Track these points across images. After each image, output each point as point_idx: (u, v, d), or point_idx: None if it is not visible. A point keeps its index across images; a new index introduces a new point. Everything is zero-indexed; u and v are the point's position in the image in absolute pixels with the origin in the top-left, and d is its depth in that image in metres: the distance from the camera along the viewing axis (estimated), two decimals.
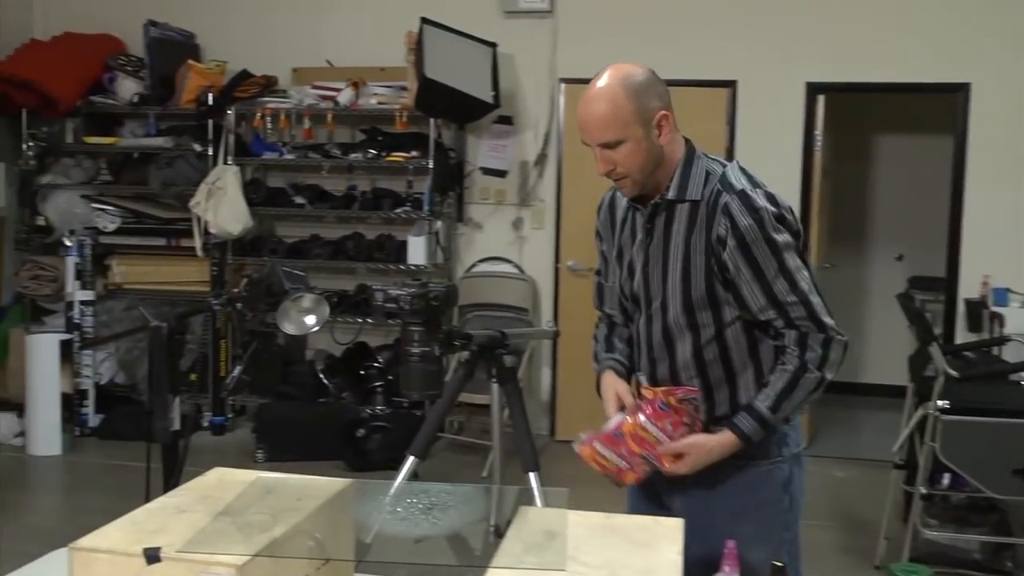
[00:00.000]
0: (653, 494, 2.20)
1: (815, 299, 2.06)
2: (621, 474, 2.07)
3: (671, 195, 2.11)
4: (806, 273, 2.06)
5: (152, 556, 1.59)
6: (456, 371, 2.13)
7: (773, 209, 2.02)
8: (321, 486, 1.97)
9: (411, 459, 2.17)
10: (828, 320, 2.06)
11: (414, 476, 2.31)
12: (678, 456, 2.05)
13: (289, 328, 2.35)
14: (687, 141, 2.16)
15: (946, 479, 4.28)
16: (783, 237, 2.02)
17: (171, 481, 2.70)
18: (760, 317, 2.06)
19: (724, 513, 2.12)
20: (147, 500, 2.96)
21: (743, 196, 2.03)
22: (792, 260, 2.03)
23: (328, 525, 1.88)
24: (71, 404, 6.35)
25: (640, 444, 2.03)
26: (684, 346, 2.12)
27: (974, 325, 6.13)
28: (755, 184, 2.08)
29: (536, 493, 2.06)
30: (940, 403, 3.72)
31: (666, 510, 2.18)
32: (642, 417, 2.03)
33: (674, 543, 1.71)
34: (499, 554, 1.62)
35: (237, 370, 2.49)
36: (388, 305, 1.85)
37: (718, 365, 2.12)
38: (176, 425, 2.71)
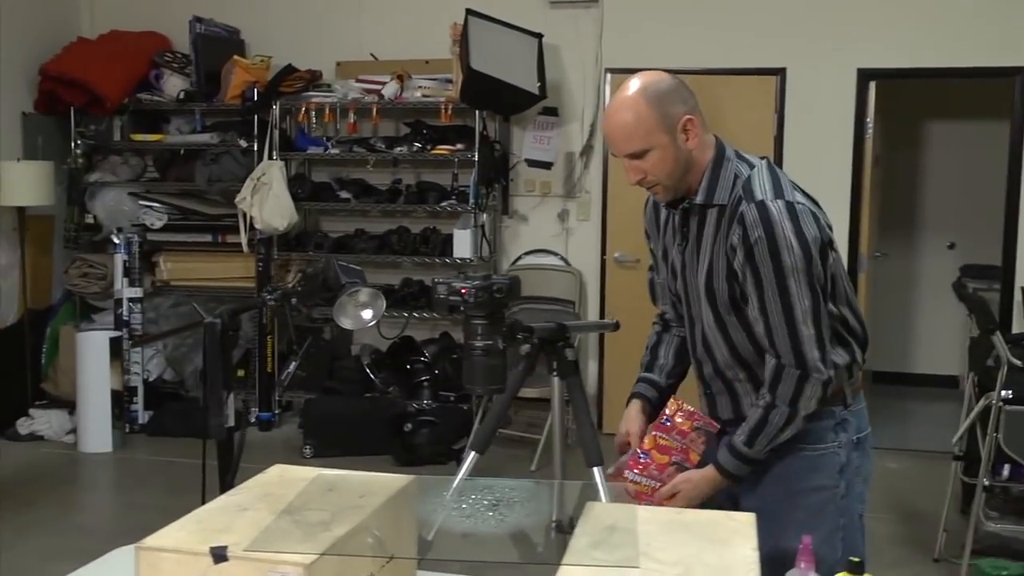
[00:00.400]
0: None
1: (806, 330, 1.99)
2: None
3: (699, 199, 2.10)
4: (807, 302, 1.99)
5: (219, 555, 1.57)
6: (517, 365, 2.08)
7: (790, 224, 1.97)
8: (383, 483, 1.94)
9: (472, 455, 2.14)
10: (811, 355, 2.00)
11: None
12: (671, 496, 2.13)
13: (346, 323, 2.33)
14: (718, 141, 2.13)
15: (1006, 470, 4.20)
16: (791, 258, 1.96)
17: (227, 478, 2.70)
18: (755, 329, 2.06)
19: (775, 498, 2.11)
20: (203, 497, 2.97)
21: (760, 208, 1.99)
22: (795, 284, 1.97)
23: (392, 522, 1.85)
24: (121, 401, 6.39)
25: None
26: (720, 348, 2.15)
27: None
28: (778, 192, 2.02)
29: (601, 488, 2.02)
30: (1004, 393, 3.63)
31: (725, 497, 2.17)
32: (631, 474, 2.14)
33: (748, 539, 1.66)
34: (569, 551, 1.59)
35: (293, 365, 2.47)
36: (452, 298, 1.82)
37: (760, 365, 2.10)
38: (231, 421, 2.70)
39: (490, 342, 1.85)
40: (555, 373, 2.11)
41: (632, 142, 2.04)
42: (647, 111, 2.02)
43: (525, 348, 2.06)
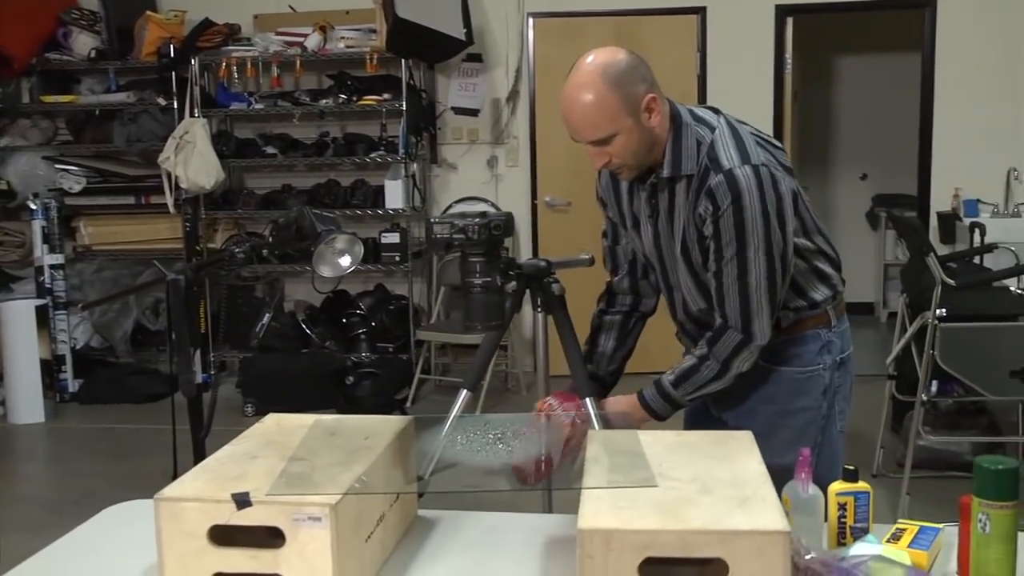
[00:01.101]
0: (702, 407, 2.24)
1: (756, 299, 2.01)
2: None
3: (666, 173, 2.05)
4: (763, 271, 1.99)
5: (242, 501, 1.57)
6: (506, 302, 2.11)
7: (756, 192, 1.95)
8: (382, 424, 1.97)
9: (464, 392, 2.17)
10: (757, 323, 2.02)
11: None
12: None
13: (325, 271, 2.33)
14: (672, 106, 2.07)
15: (934, 386, 4.38)
16: (754, 227, 1.96)
17: (199, 435, 2.69)
18: (708, 287, 2.08)
19: (764, 418, 2.15)
20: (175, 455, 2.95)
21: (728, 177, 1.96)
22: (754, 253, 1.97)
23: (398, 462, 1.89)
24: (50, 370, 6.25)
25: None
26: (705, 311, 2.15)
27: (947, 237, 6.24)
28: (744, 156, 1.98)
29: (594, 418, 2.07)
30: (939, 312, 3.78)
31: (717, 420, 2.23)
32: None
33: (752, 455, 1.73)
34: (587, 476, 1.63)
35: (267, 317, 2.45)
36: (455, 236, 1.83)
37: None
38: (199, 379, 2.68)
39: (488, 279, 1.87)
40: (540, 308, 2.14)
41: (597, 129, 1.96)
42: (609, 95, 1.94)
43: (511, 285, 2.08)
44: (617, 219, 2.27)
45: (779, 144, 2.15)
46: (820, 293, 2.17)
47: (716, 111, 2.12)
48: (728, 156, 1.99)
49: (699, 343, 2.10)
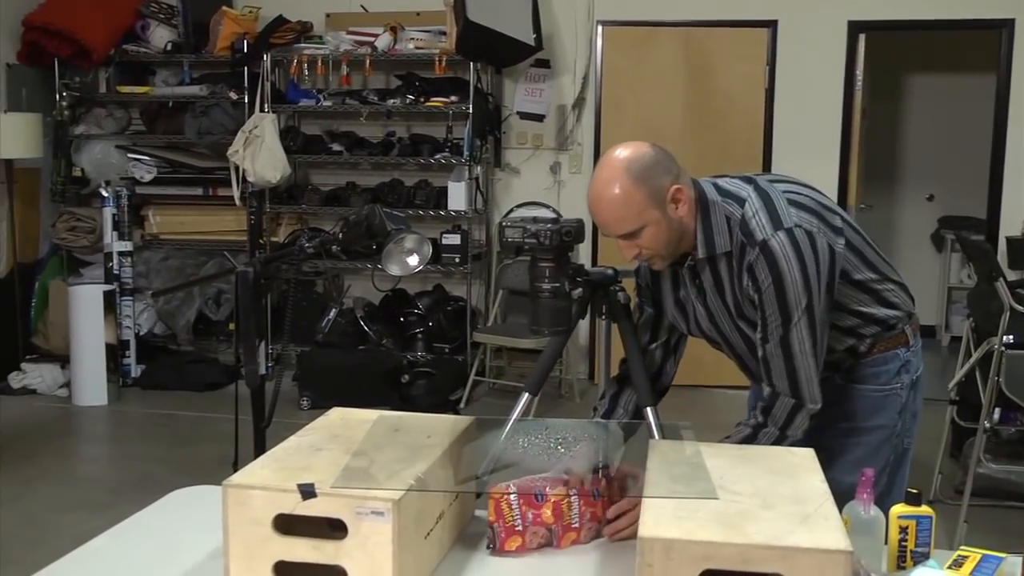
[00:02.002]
0: None
1: (803, 366, 2.00)
2: (508, 534, 1.84)
3: (701, 254, 2.05)
4: (807, 338, 1.98)
5: (308, 492, 1.60)
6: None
7: (795, 258, 1.94)
8: (445, 423, 2.00)
9: (526, 396, 2.18)
10: (806, 389, 2.01)
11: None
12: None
13: (393, 269, 2.37)
14: (697, 187, 2.06)
15: (997, 414, 4.31)
16: (795, 295, 1.95)
17: (261, 425, 2.73)
18: (757, 352, 2.06)
19: (838, 433, 2.16)
20: (236, 445, 3.00)
21: (764, 250, 1.96)
22: (796, 321, 1.97)
23: (459, 461, 1.91)
24: (114, 355, 6.38)
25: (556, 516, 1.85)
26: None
27: (1016, 263, 6.12)
28: (776, 222, 1.98)
29: (655, 427, 2.07)
30: (1006, 338, 3.73)
31: None
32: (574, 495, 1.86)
33: (815, 472, 1.73)
34: (649, 485, 1.64)
35: (333, 312, 2.48)
36: (528, 240, 1.85)
37: None
38: (263, 369, 2.72)
39: (557, 284, 1.88)
40: (604, 316, 2.16)
41: (624, 224, 1.98)
42: (635, 190, 1.95)
43: (577, 292, 2.09)
44: (655, 304, 2.26)
45: (822, 197, 2.11)
46: (894, 315, 2.17)
47: (748, 179, 2.10)
48: (761, 227, 1.98)
49: (751, 412, 2.09)
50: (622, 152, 1.99)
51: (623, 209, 1.96)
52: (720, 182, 2.10)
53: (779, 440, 2.04)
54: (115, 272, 6.60)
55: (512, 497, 1.81)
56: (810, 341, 1.98)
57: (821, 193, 2.13)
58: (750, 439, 2.06)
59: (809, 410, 2.03)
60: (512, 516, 1.82)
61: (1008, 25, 6.18)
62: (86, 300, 6.19)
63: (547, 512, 1.82)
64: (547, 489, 1.83)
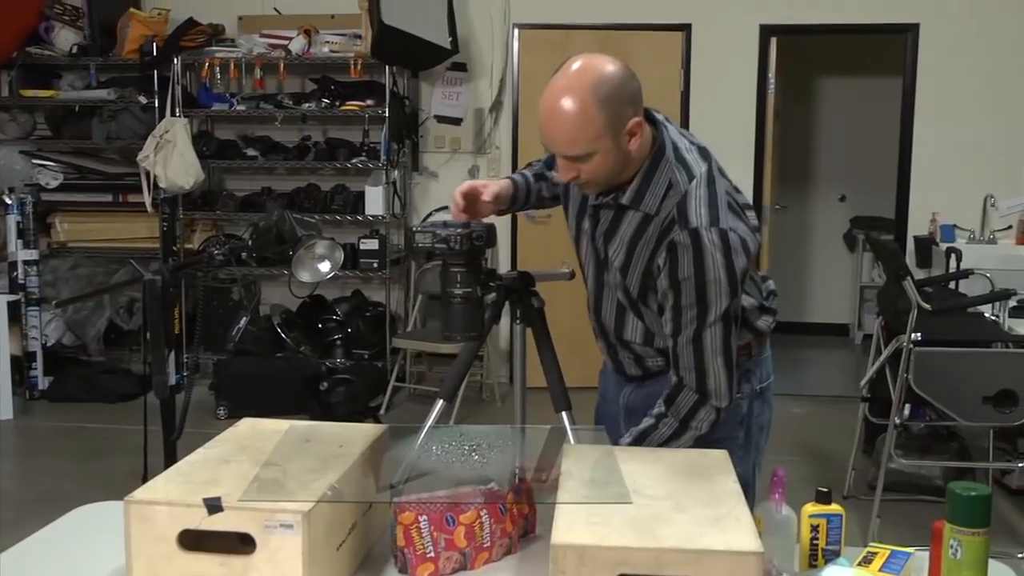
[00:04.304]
0: (615, 436, 2.12)
1: (713, 364, 1.95)
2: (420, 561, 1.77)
3: (625, 200, 1.97)
4: (719, 337, 1.93)
5: (213, 506, 1.56)
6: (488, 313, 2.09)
7: (721, 259, 1.87)
8: (357, 432, 1.96)
9: (440, 402, 2.16)
10: (713, 386, 1.96)
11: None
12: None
13: (304, 276, 2.32)
14: (662, 134, 1.98)
15: (907, 410, 4.41)
16: (716, 295, 1.89)
17: (171, 436, 2.66)
18: (656, 341, 2.04)
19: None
20: (145, 456, 2.92)
21: (694, 237, 1.87)
22: (712, 319, 1.91)
23: (372, 470, 1.88)
24: (20, 367, 6.18)
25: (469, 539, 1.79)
26: (630, 326, 2.11)
27: (923, 261, 6.28)
28: (714, 218, 1.89)
29: (569, 432, 2.06)
30: (915, 335, 3.81)
31: None
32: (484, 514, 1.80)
33: (728, 473, 1.73)
34: (562, 491, 1.63)
35: (244, 320, 2.43)
36: (438, 246, 1.82)
37: (640, 343, 2.11)
38: (172, 380, 2.66)
39: (469, 289, 1.86)
40: (519, 321, 2.14)
41: (575, 146, 1.86)
42: (596, 113, 1.82)
43: (490, 296, 2.07)
44: (564, 207, 2.24)
45: (748, 213, 2.04)
46: (764, 323, 2.13)
47: (705, 155, 2.01)
48: (697, 214, 1.90)
49: (656, 403, 2.02)
50: (592, 64, 1.85)
51: (579, 130, 1.83)
52: (680, 145, 1.99)
53: (680, 432, 1.98)
54: (20, 281, 6.39)
55: (423, 523, 1.75)
56: (722, 340, 1.93)
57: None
58: (651, 429, 2.00)
59: (713, 406, 1.97)
60: (423, 543, 1.75)
61: (913, 30, 6.36)
62: None
63: (460, 535, 1.76)
64: (459, 509, 1.77)
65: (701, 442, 2.01)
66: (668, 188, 1.93)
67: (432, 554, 1.76)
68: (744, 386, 2.11)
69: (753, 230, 1.98)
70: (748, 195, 6.39)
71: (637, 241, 1.97)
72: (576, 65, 1.86)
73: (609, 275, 2.05)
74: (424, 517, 1.75)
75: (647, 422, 2.01)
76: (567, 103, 1.83)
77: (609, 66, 1.86)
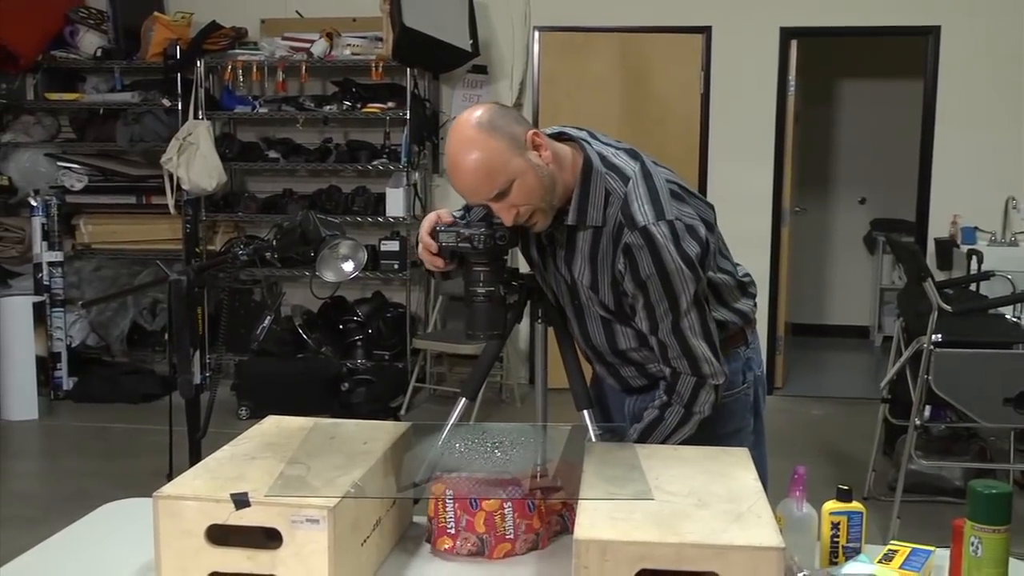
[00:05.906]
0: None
1: (698, 345, 1.98)
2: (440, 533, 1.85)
3: (570, 220, 1.99)
4: (696, 319, 1.97)
5: (241, 501, 1.58)
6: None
7: (675, 249, 1.90)
8: (381, 429, 1.99)
9: (463, 400, 2.18)
10: (706, 367, 1.99)
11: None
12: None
13: (328, 275, 2.35)
14: (585, 151, 2.01)
15: (927, 411, 4.40)
16: (681, 283, 1.92)
17: (195, 436, 2.69)
18: (649, 341, 2.05)
19: (698, 441, 2.06)
20: (170, 456, 2.96)
21: (645, 235, 1.90)
22: (685, 306, 1.95)
23: (396, 467, 1.90)
24: (45, 367, 6.25)
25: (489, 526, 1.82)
26: (622, 336, 2.12)
27: (944, 263, 6.26)
28: (659, 212, 1.92)
29: (591, 430, 2.08)
30: (935, 337, 3.80)
31: None
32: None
33: (749, 470, 1.75)
34: (584, 488, 1.65)
35: (268, 320, 2.46)
36: (461, 245, 1.84)
37: (636, 348, 2.13)
38: (197, 379, 2.68)
39: (492, 288, 1.88)
40: (541, 320, 2.16)
41: (492, 180, 1.88)
42: (492, 142, 1.86)
43: (513, 296, 2.09)
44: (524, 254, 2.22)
45: (697, 193, 2.08)
46: (732, 318, 2.15)
47: (635, 155, 2.05)
48: (642, 212, 1.93)
49: (656, 395, 2.06)
50: (467, 114, 1.91)
51: (487, 163, 1.86)
52: (606, 153, 2.02)
53: (687, 418, 2.03)
54: (45, 283, 6.46)
55: (448, 497, 1.82)
56: (700, 324, 1.97)
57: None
58: (657, 421, 2.03)
59: (712, 385, 2.01)
60: (445, 517, 1.82)
61: (934, 32, 6.33)
62: (15, 312, 6.06)
63: (479, 520, 1.80)
64: (483, 495, 1.82)
65: (717, 434, 2.07)
66: (607, 197, 1.97)
67: (452, 530, 1.81)
68: (748, 374, 2.20)
69: (704, 209, 2.03)
70: (767, 197, 6.49)
71: (596, 255, 2.01)
72: (456, 122, 1.93)
73: (583, 296, 2.09)
74: (450, 492, 1.81)
75: (651, 415, 2.05)
76: (464, 151, 1.88)
77: (478, 108, 1.92)
